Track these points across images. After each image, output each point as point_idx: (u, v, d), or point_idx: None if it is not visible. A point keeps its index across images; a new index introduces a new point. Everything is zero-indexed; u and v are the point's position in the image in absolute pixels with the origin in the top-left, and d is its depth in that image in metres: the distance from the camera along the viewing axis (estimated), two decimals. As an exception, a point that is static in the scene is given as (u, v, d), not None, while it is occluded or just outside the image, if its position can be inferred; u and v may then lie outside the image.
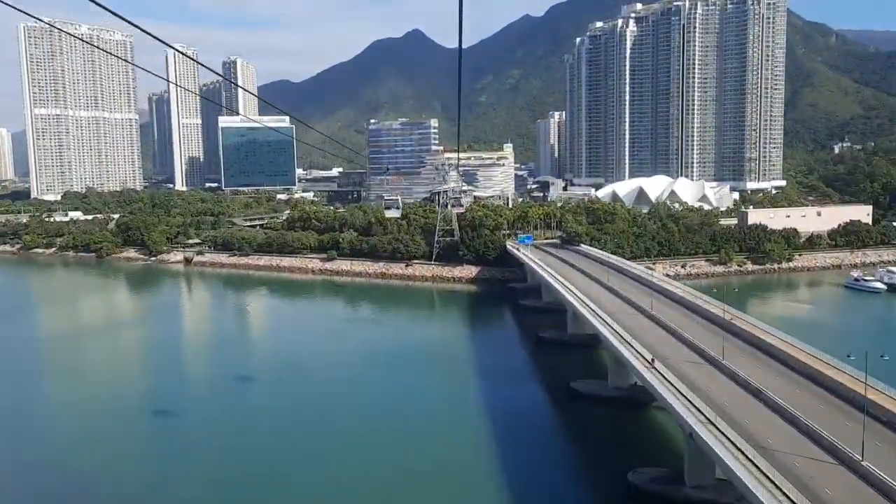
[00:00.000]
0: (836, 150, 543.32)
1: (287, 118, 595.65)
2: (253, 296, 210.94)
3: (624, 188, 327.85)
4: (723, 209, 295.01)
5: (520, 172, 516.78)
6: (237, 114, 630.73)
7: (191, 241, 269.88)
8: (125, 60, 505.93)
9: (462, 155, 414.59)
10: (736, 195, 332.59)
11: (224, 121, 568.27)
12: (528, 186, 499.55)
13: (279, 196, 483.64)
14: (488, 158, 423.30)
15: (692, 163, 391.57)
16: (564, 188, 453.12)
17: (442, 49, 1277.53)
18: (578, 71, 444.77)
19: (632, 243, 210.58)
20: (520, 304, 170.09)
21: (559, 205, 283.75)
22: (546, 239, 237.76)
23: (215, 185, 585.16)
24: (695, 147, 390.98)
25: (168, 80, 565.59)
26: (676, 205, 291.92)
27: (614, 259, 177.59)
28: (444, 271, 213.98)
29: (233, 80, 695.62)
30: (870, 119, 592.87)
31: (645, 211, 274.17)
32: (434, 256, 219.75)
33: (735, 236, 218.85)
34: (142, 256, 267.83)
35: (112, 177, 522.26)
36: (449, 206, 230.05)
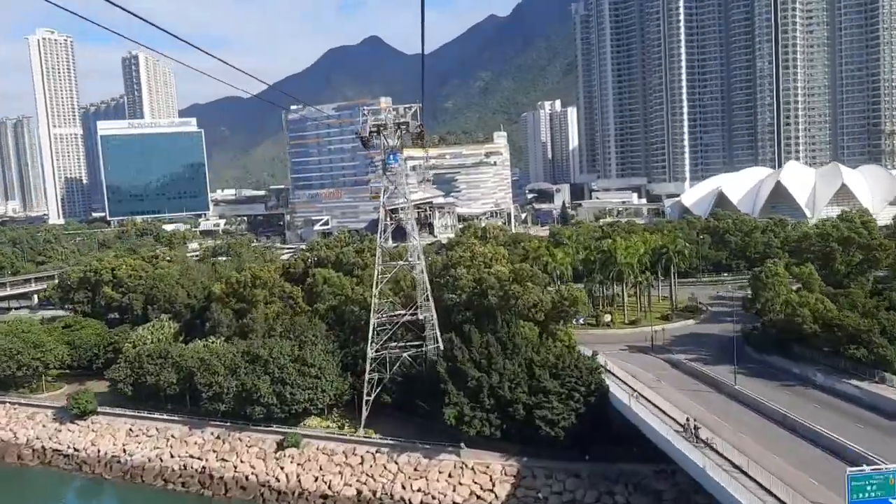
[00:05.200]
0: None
1: (193, 121, 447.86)
2: None
3: (736, 186, 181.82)
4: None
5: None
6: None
7: None
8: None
9: (432, 152, 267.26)
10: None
11: (105, 127, 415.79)
12: (527, 196, 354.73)
13: (167, 227, 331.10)
14: (472, 155, 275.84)
15: (794, 144, 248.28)
16: (575, 198, 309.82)
17: (402, 55, 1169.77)
18: (598, 22, 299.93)
19: None
20: None
21: (665, 223, 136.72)
22: (665, 320, 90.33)
23: (102, 214, 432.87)
24: (799, 119, 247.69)
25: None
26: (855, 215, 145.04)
27: None
28: (402, 466, 63.83)
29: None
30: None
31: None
32: (366, 410, 70.28)
33: None
34: None
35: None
36: (411, 241, 77.01)
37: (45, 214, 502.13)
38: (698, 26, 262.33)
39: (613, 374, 66.87)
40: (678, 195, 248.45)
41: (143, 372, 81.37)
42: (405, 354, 71.83)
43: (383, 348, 72.19)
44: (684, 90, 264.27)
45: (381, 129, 72.75)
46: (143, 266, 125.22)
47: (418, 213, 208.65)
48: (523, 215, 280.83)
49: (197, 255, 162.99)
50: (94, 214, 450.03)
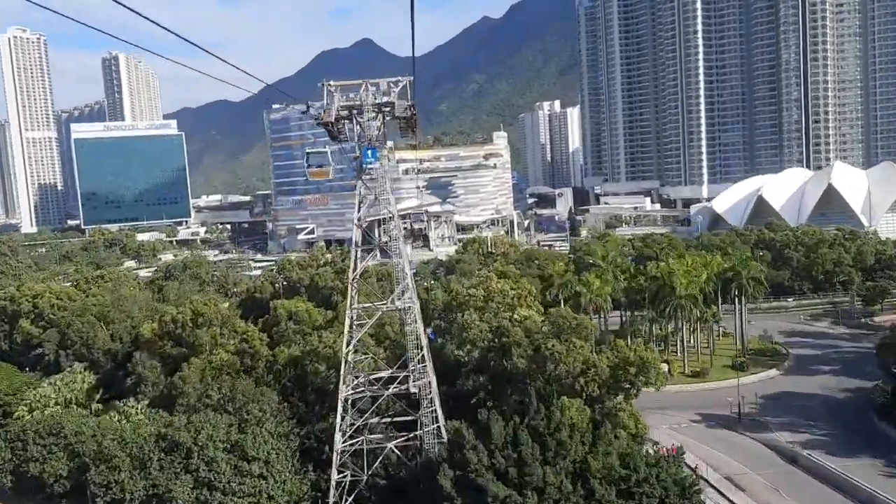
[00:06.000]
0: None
1: (173, 123, 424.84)
2: None
3: (778, 190, 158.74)
4: None
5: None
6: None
7: None
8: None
9: (425, 154, 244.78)
10: None
11: (79, 129, 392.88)
12: (528, 201, 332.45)
13: (141, 236, 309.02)
14: (470, 157, 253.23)
15: (824, 142, 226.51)
16: (578, 203, 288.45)
17: (394, 58, 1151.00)
18: (605, 13, 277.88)
19: None
20: None
21: (712, 236, 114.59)
22: (738, 371, 66.85)
23: (78, 222, 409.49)
24: (829, 116, 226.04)
25: None
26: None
27: None
28: None
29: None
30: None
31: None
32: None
33: None
34: None
35: None
36: (399, 270, 54.43)
37: (19, 222, 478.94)
38: (716, 14, 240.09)
39: (704, 480, 44.07)
40: (695, 199, 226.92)
41: (27, 457, 58.24)
42: (390, 445, 48.81)
43: (359, 431, 49.25)
44: (701, 85, 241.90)
45: (355, 112, 49.88)
46: (73, 293, 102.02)
47: (410, 224, 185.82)
48: (526, 222, 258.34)
49: (150, 275, 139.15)
50: (70, 222, 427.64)
